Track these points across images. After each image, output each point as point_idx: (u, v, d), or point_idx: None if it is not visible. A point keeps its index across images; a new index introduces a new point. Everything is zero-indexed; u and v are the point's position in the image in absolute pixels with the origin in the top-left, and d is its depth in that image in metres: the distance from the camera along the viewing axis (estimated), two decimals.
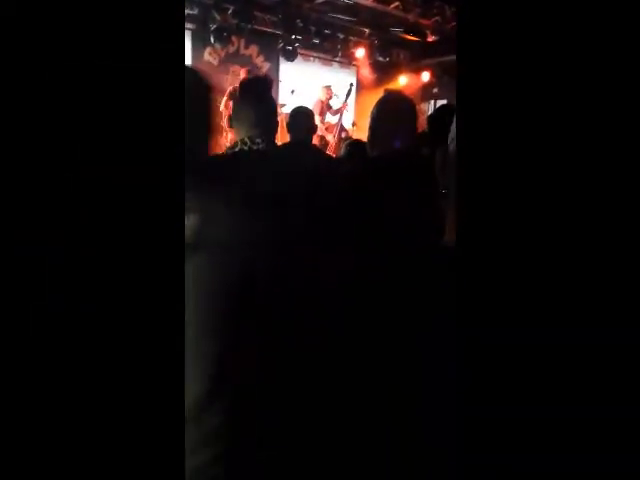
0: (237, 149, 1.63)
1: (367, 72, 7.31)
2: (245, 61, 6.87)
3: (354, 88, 6.82)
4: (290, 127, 2.67)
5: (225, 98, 5.61)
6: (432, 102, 7.45)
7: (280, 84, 6.71)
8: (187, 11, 6.03)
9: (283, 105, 6.40)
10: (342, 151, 3.00)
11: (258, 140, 1.57)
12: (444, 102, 6.72)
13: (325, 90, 6.23)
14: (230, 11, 6.09)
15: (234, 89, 5.64)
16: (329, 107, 6.18)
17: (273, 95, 1.74)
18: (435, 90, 7.38)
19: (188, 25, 6.34)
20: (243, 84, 1.72)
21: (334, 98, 6.26)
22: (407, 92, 7.42)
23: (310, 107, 5.84)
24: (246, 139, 1.58)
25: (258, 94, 1.69)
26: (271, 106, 1.67)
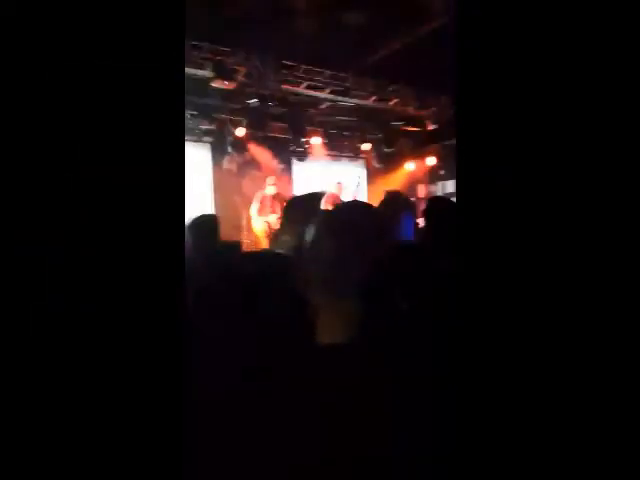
0: None
1: (375, 162, 7.71)
2: (260, 165, 7.36)
3: (363, 180, 7.18)
4: None
5: (256, 203, 6.08)
6: (440, 184, 7.73)
7: (294, 182, 7.10)
8: (205, 127, 6.63)
9: None
10: None
11: None
12: (452, 183, 6.96)
13: (337, 186, 6.68)
14: (244, 123, 6.67)
15: (263, 196, 6.12)
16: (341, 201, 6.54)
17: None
18: (442, 172, 7.68)
19: (207, 138, 6.93)
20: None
21: (344, 191, 6.63)
22: (415, 177, 7.75)
23: (323, 201, 6.14)
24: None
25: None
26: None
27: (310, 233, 0.91)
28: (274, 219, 6.08)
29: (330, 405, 0.80)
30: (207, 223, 2.87)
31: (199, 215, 2.90)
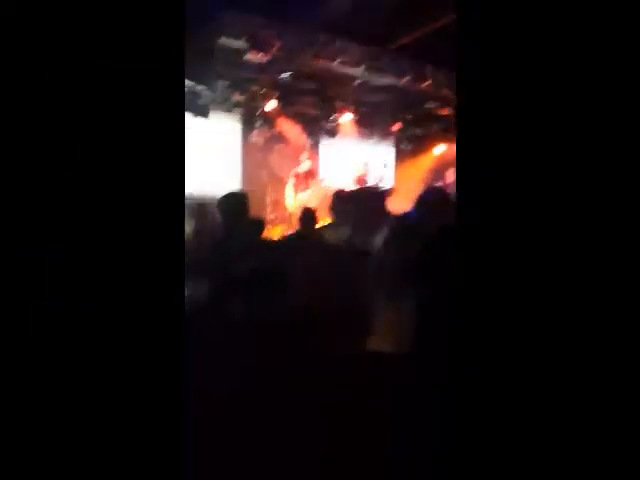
0: None
1: (404, 143, 7.57)
2: (288, 140, 7.32)
3: (390, 162, 7.05)
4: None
5: (292, 180, 6.10)
6: None
7: (320, 159, 7.03)
8: (236, 98, 6.59)
9: (322, 179, 6.70)
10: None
11: None
12: None
13: (363, 166, 6.61)
14: (275, 97, 6.60)
15: (300, 170, 6.13)
16: (366, 182, 6.50)
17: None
18: None
19: (237, 111, 6.90)
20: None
21: (371, 172, 6.57)
22: (445, 160, 7.58)
23: (350, 181, 6.14)
24: None
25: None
26: None
27: (382, 236, 0.89)
28: (307, 196, 6.07)
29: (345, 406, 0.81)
30: (239, 203, 2.83)
31: (231, 193, 2.91)
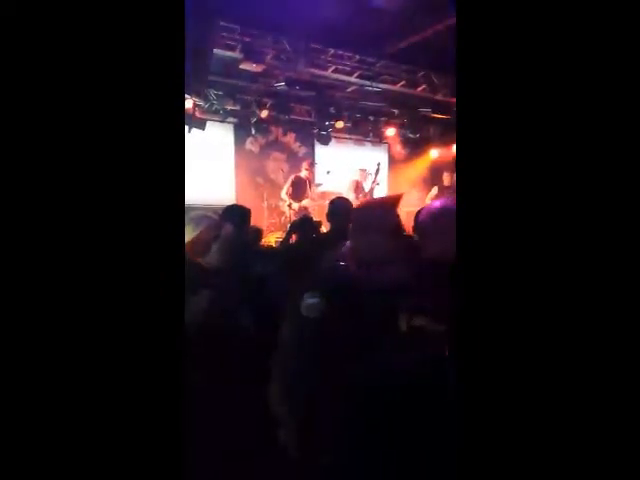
0: None
1: (399, 148, 7.59)
2: (283, 147, 7.33)
3: (384, 166, 7.07)
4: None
5: (287, 185, 6.10)
6: None
7: (316, 166, 7.04)
8: (230, 107, 6.59)
9: (319, 185, 6.71)
10: None
11: None
12: None
13: (360, 172, 6.61)
14: (269, 104, 6.62)
15: (296, 178, 6.13)
16: (363, 187, 6.52)
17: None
18: None
19: (231, 119, 6.91)
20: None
21: (368, 177, 6.56)
22: (439, 164, 7.60)
23: (346, 186, 6.09)
24: None
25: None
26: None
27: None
28: (304, 203, 6.07)
29: None
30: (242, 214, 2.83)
31: (234, 205, 2.91)
